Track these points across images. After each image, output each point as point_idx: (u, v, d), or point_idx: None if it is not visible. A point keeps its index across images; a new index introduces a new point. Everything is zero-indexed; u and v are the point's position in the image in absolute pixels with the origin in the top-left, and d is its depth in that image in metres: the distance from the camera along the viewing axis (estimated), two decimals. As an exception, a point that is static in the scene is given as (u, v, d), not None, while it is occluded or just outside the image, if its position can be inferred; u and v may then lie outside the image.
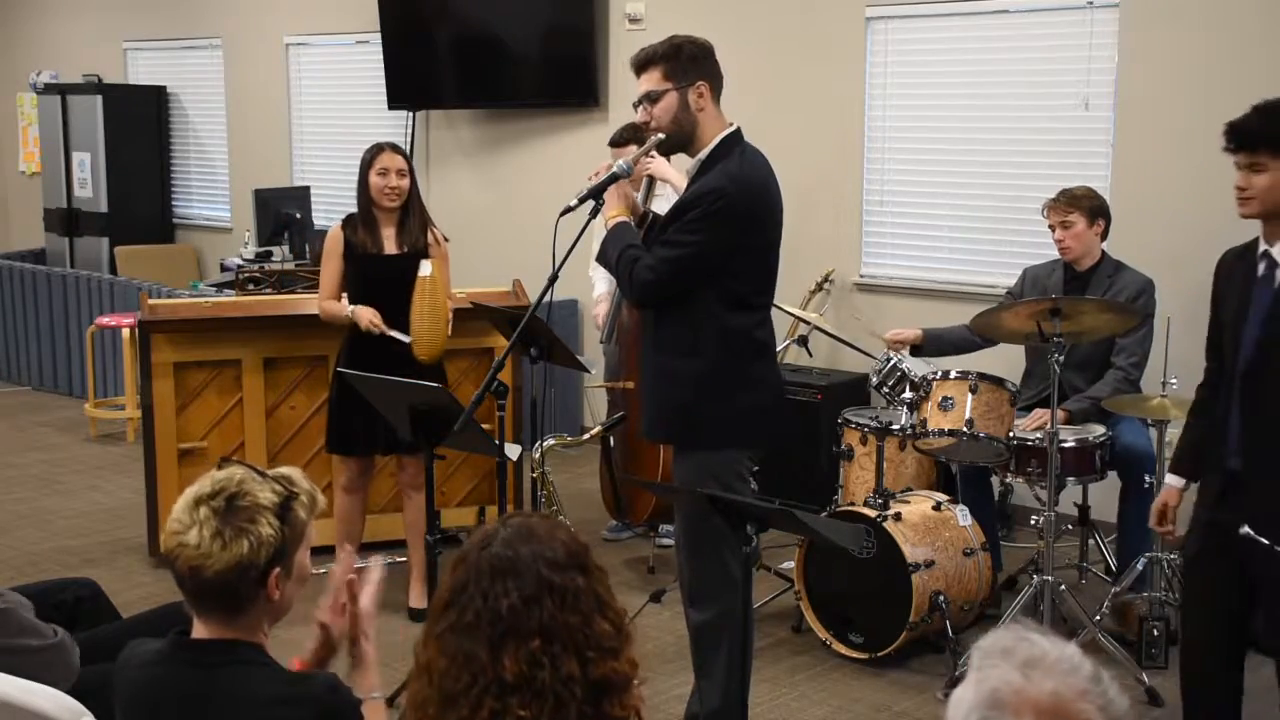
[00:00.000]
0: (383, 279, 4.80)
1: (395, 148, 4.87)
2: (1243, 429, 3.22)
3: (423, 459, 4.81)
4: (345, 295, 4.90)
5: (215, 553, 2.13)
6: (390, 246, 4.83)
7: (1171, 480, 3.49)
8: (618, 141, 5.42)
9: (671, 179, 4.58)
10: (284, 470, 2.29)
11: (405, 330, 4.75)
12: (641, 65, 3.58)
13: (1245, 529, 3.09)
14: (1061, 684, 1.38)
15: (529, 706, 1.77)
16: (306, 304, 5.52)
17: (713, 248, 3.46)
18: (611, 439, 5.45)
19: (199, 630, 2.23)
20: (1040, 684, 1.38)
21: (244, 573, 2.15)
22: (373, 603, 2.43)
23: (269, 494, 2.20)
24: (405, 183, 4.81)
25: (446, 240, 5.00)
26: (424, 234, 4.86)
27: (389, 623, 4.56)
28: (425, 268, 4.71)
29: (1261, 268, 3.20)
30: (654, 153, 3.69)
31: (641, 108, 3.59)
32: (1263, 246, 3.20)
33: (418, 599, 4.95)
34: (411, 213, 4.86)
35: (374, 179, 4.79)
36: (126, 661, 2.31)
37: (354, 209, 4.92)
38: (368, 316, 4.78)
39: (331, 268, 4.92)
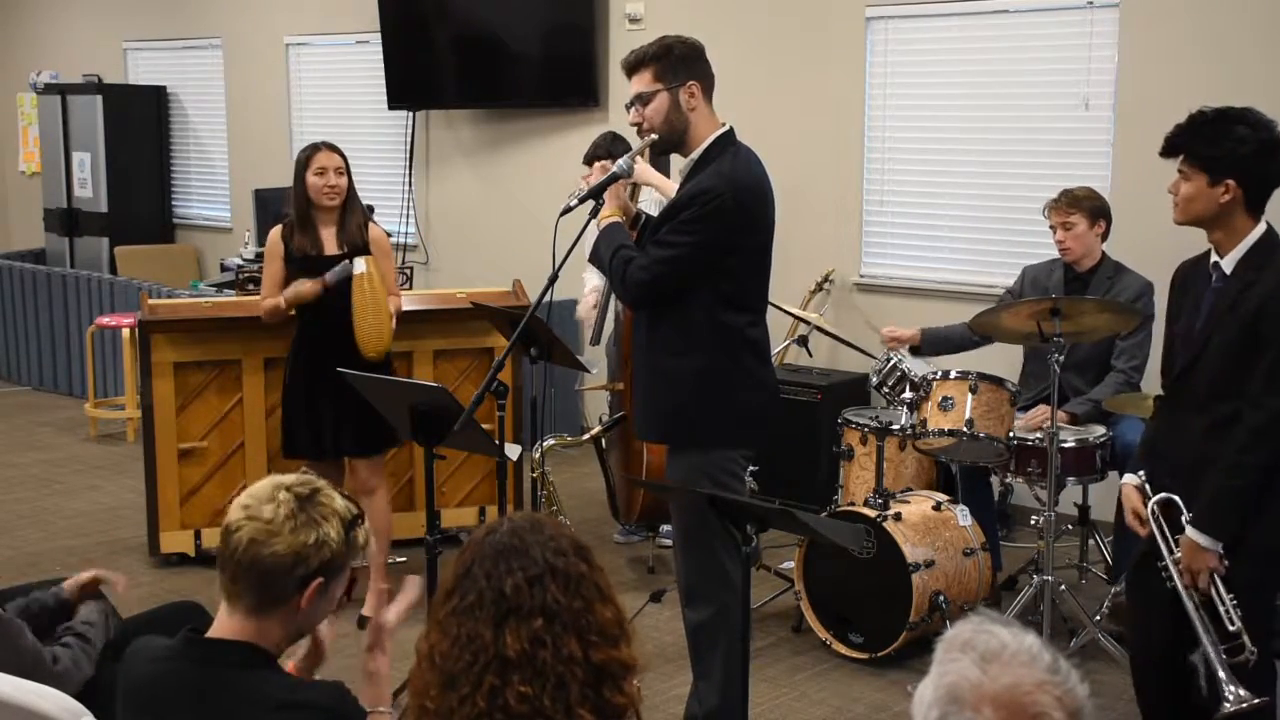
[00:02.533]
0: None
1: (331, 146, 4.84)
2: (1169, 433, 3.31)
3: (374, 462, 4.88)
4: None
5: (284, 533, 2.16)
6: (330, 246, 4.80)
7: (1129, 478, 3.44)
8: (589, 159, 5.38)
9: (655, 182, 4.51)
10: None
11: (349, 329, 4.69)
12: (632, 67, 3.59)
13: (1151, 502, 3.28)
14: (1018, 676, 1.39)
15: (530, 684, 1.78)
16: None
17: (706, 248, 3.46)
18: (604, 440, 5.44)
19: (218, 624, 2.24)
20: (997, 677, 1.39)
21: (296, 565, 2.17)
22: (398, 619, 2.43)
23: (343, 505, 2.26)
24: (344, 181, 4.78)
25: (389, 235, 4.94)
26: (363, 231, 4.82)
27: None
28: (359, 265, 4.70)
29: (1214, 279, 3.28)
30: (640, 157, 3.70)
31: (633, 109, 3.60)
32: (1213, 258, 3.28)
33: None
34: (350, 211, 4.82)
35: (311, 179, 4.78)
36: (134, 656, 2.31)
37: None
38: (307, 285, 4.73)
39: (272, 270, 4.90)
